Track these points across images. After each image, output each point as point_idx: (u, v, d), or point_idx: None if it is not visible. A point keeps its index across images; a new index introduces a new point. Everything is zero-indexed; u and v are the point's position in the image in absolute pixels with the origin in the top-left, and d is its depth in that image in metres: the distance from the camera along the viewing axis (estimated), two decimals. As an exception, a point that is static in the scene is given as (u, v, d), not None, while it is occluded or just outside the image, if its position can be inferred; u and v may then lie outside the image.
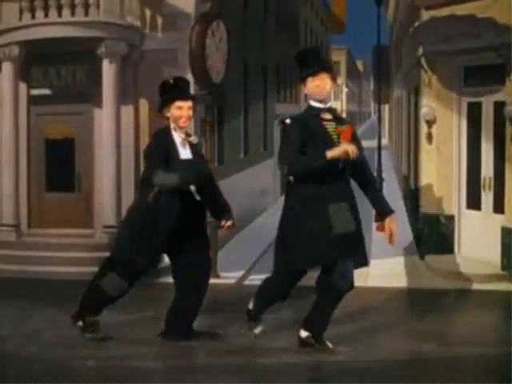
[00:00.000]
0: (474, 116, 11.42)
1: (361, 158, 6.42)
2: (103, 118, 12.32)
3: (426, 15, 11.43)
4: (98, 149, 12.61)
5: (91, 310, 6.96)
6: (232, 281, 11.13)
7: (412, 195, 15.56)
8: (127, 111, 12.44)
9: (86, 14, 12.03)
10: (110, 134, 12.23)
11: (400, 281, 10.21)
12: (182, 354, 6.74)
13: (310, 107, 6.56)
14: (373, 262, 11.74)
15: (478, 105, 11.37)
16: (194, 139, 6.81)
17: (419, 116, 12.76)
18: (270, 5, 24.93)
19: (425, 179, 11.78)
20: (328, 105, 6.55)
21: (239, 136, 19.28)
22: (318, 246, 6.31)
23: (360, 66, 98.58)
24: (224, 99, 13.71)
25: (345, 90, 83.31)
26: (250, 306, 7.02)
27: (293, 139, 6.33)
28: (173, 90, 6.76)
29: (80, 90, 12.70)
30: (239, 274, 11.60)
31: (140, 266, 6.70)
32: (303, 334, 6.69)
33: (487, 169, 11.14)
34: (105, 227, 12.15)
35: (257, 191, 21.27)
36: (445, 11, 10.90)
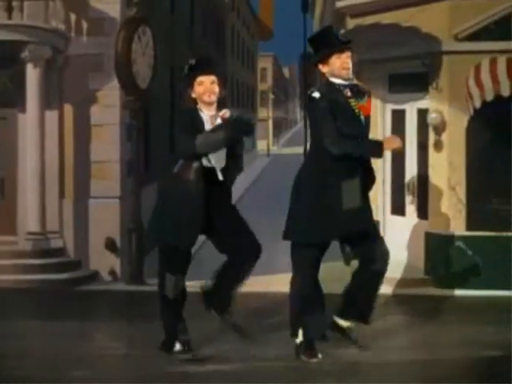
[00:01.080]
0: (398, 123, 11.56)
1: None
2: (27, 122, 12.14)
3: (351, 23, 11.53)
4: (21, 154, 12.41)
5: (172, 325, 6.57)
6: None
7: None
8: (52, 116, 12.29)
9: (9, 17, 11.85)
10: (34, 139, 12.05)
11: (325, 287, 10.25)
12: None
13: (332, 83, 6.38)
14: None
15: (403, 112, 11.51)
16: (225, 113, 6.41)
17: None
18: (196, 11, 24.95)
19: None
20: (350, 81, 6.43)
21: (166, 141, 19.20)
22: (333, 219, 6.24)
23: (286, 72, 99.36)
24: (151, 104, 13.65)
25: (271, 96, 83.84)
26: (298, 340, 6.51)
27: (329, 115, 6.22)
28: (193, 70, 6.43)
29: (3, 95, 12.49)
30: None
31: (184, 247, 6.32)
32: (345, 323, 6.61)
33: (411, 175, 11.29)
34: (28, 234, 11.96)
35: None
36: (370, 19, 11.01)
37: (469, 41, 10.19)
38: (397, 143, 6.39)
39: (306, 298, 6.50)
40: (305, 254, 6.42)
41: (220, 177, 6.29)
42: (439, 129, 10.47)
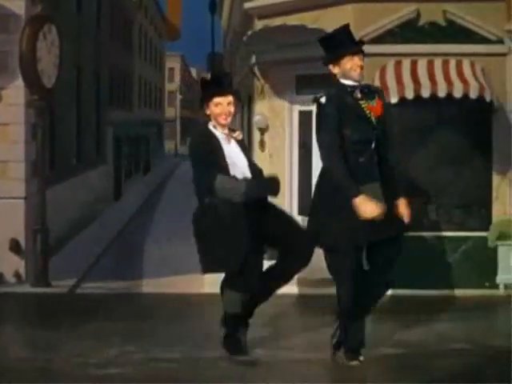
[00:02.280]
0: (305, 124, 11.67)
1: (386, 132, 6.38)
2: None
3: (259, 24, 11.59)
4: None
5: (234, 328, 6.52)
6: (64, 290, 10.89)
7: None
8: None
9: None
10: None
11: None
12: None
13: (342, 85, 6.35)
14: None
15: (310, 113, 11.62)
16: (238, 135, 6.43)
17: (252, 124, 12.93)
18: (103, 10, 24.70)
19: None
20: (360, 83, 6.37)
21: (72, 142, 18.97)
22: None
23: (194, 72, 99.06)
24: (56, 104, 13.45)
25: (179, 96, 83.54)
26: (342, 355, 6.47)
27: (331, 123, 6.21)
28: (210, 86, 6.37)
29: None
30: (73, 281, 11.39)
31: (234, 267, 6.08)
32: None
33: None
34: None
35: (90, 197, 21.00)
36: (277, 21, 11.09)
37: (374, 43, 10.35)
38: (368, 213, 6.04)
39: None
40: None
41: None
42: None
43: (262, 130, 12.10)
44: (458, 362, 6.76)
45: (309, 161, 11.48)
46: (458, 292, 10.22)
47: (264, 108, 12.10)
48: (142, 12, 43.97)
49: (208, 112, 6.35)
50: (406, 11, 10.43)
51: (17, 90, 11.43)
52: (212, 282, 9.50)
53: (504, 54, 10.47)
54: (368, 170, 6.24)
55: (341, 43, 6.34)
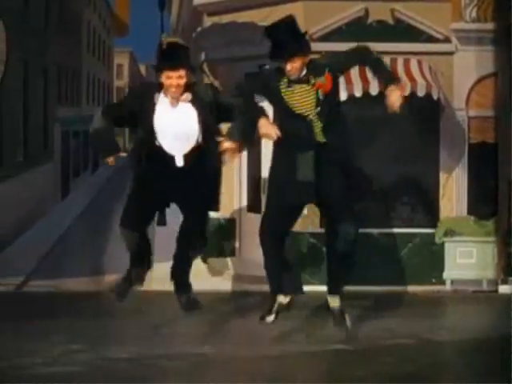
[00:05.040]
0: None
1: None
2: None
3: (208, 21, 11.55)
4: None
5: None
6: (11, 288, 10.76)
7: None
8: None
9: None
10: None
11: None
12: None
13: (281, 71, 6.26)
14: (156, 266, 11.77)
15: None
16: (186, 97, 6.25)
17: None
18: (51, 4, 24.42)
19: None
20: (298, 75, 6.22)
21: (19, 138, 18.74)
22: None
23: (143, 69, 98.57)
24: (3, 100, 13.29)
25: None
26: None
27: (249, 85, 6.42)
28: (162, 59, 6.27)
29: None
30: (19, 279, 11.26)
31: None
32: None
33: (266, 173, 11.39)
34: None
35: (37, 194, 20.77)
36: (227, 18, 11.07)
37: (323, 41, 10.39)
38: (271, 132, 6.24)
39: None
40: None
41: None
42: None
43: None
44: (404, 358, 6.83)
45: (258, 157, 11.48)
46: (405, 288, 10.31)
47: (213, 105, 12.06)
48: (91, 8, 43.60)
49: (161, 80, 6.29)
50: (354, 9, 10.50)
51: (-38, 85, 11.27)
52: (160, 279, 9.50)
53: (451, 53, 10.60)
54: (301, 140, 6.23)
55: (281, 41, 6.23)
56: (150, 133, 6.21)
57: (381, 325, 7.94)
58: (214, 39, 11.30)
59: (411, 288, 10.28)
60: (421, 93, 9.82)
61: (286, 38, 6.23)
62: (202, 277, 10.75)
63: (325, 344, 6.92)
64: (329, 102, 6.23)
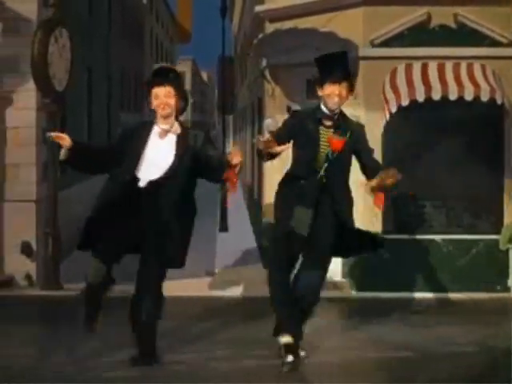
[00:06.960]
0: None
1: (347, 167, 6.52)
2: None
3: (269, 27, 11.60)
4: None
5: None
6: (77, 292, 10.86)
7: (255, 205, 15.74)
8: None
9: None
10: None
11: (246, 290, 10.28)
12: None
13: (316, 109, 6.46)
14: (218, 272, 11.84)
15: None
16: (176, 129, 6.14)
17: (263, 127, 12.92)
18: (114, 13, 24.75)
19: (268, 189, 11.95)
20: (334, 112, 6.38)
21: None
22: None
23: (205, 76, 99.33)
24: (68, 107, 13.49)
25: (190, 100, 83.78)
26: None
27: (280, 129, 6.46)
28: (151, 79, 6.24)
29: None
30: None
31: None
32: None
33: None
34: None
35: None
36: (288, 24, 11.10)
37: (384, 47, 10.36)
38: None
39: None
40: None
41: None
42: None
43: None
44: (468, 364, 6.78)
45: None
46: (469, 295, 10.21)
47: (274, 111, 12.09)
48: (153, 15, 44.09)
49: (152, 107, 6.23)
50: (415, 15, 10.44)
51: (28, 93, 11.46)
52: (221, 284, 9.52)
53: (515, 57, 10.48)
54: (305, 194, 6.37)
55: (328, 68, 6.37)
56: (136, 161, 6.08)
57: (443, 332, 7.88)
58: (275, 45, 11.33)
59: (475, 295, 10.17)
60: (484, 98, 9.71)
61: (338, 63, 6.44)
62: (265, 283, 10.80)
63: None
64: (338, 161, 6.38)
